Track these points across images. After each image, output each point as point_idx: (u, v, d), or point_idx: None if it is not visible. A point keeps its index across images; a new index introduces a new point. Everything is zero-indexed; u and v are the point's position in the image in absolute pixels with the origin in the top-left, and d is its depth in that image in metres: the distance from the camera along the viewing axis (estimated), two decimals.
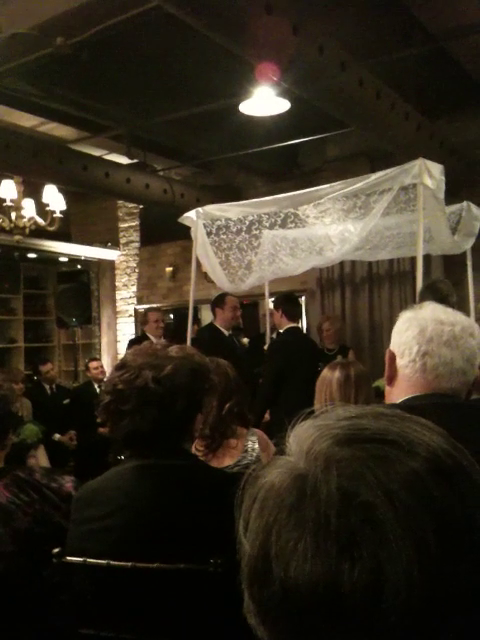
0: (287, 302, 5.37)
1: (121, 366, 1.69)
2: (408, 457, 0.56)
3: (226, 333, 5.45)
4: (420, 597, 0.50)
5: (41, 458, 6.12)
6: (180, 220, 5.15)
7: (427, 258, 5.66)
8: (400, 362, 1.59)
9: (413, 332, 1.57)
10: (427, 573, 0.51)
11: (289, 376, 4.91)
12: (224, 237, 5.17)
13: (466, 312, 1.99)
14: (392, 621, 0.50)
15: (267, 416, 5.02)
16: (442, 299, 3.82)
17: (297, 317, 5.54)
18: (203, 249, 5.11)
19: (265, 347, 6.19)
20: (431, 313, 1.60)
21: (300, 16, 3.81)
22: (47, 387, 7.26)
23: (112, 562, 1.45)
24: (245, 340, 6.84)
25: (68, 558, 1.52)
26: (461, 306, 4.79)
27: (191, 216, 5.05)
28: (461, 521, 0.54)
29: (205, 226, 5.08)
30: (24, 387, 6.84)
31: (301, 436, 0.61)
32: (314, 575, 0.51)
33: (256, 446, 2.58)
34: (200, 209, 5.03)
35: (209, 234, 5.11)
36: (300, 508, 0.54)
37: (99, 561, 1.47)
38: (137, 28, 4.34)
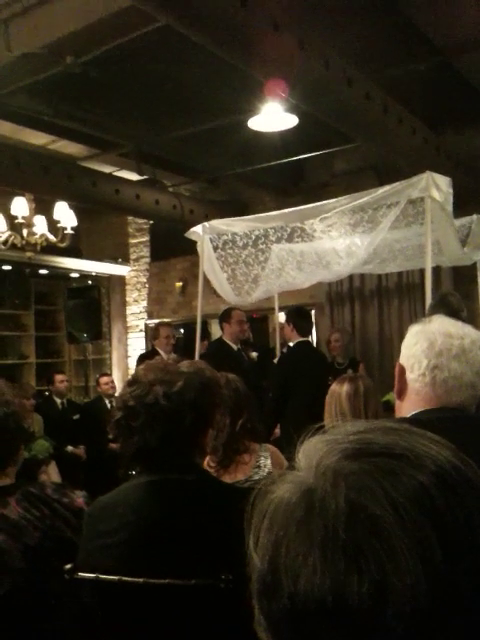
0: (298, 316, 5.38)
1: (132, 382, 1.70)
2: (415, 470, 0.57)
3: (234, 347, 5.46)
4: (424, 607, 0.51)
5: (52, 473, 6.14)
6: (187, 235, 5.18)
7: (437, 270, 5.65)
8: (410, 376, 1.59)
9: (422, 346, 1.56)
10: (432, 585, 0.51)
11: (297, 390, 4.91)
12: (230, 251, 5.19)
13: (476, 325, 1.99)
14: (396, 629, 0.51)
15: (277, 431, 5.01)
16: (453, 313, 3.80)
17: (308, 331, 5.55)
18: (209, 263, 5.14)
19: (274, 360, 6.20)
20: (440, 326, 1.60)
21: (306, 32, 3.84)
22: (58, 401, 7.28)
23: (124, 578, 1.45)
24: (254, 354, 6.84)
25: (80, 574, 1.52)
26: (471, 319, 4.78)
27: (197, 231, 5.08)
28: (466, 534, 0.55)
29: (212, 241, 5.11)
30: (35, 402, 6.86)
31: (310, 451, 0.62)
32: (323, 588, 0.52)
33: (268, 462, 2.58)
34: (206, 224, 5.05)
35: (216, 248, 5.13)
36: (309, 522, 0.55)
37: (111, 577, 1.47)
38: (146, 46, 4.39)
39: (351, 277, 7.05)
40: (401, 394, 1.63)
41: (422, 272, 5.66)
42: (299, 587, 0.53)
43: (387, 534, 0.52)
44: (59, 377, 7.34)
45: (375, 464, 0.57)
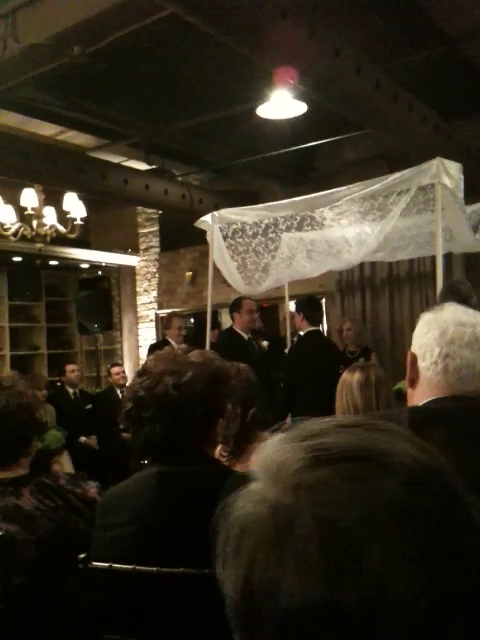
0: (309, 305, 5.38)
1: (142, 373, 1.70)
2: (379, 472, 0.54)
3: (245, 337, 5.46)
4: (419, 611, 0.49)
5: (65, 464, 6.18)
6: (196, 224, 5.17)
7: (448, 257, 5.62)
8: (422, 364, 1.58)
9: (434, 334, 1.55)
10: (419, 589, 0.49)
11: (309, 379, 4.91)
12: (240, 240, 5.18)
13: None
14: (389, 635, 0.49)
15: (288, 420, 5.02)
16: (463, 300, 3.78)
17: (318, 320, 5.54)
18: (219, 253, 5.13)
19: (285, 350, 6.19)
20: (451, 315, 1.59)
21: (315, 20, 3.81)
22: (70, 391, 7.32)
23: (137, 567, 1.46)
24: (265, 343, 6.84)
25: (93, 563, 1.53)
26: None
27: (207, 220, 5.07)
28: (442, 528, 0.52)
29: (221, 230, 5.10)
30: (47, 393, 6.90)
31: (266, 462, 0.58)
32: (303, 611, 0.50)
33: None
34: (216, 213, 5.04)
35: (225, 238, 5.12)
36: (278, 545, 0.52)
37: (125, 566, 1.47)
38: (153, 36, 4.37)
39: (362, 266, 7.03)
40: (413, 383, 1.62)
41: (433, 260, 5.63)
42: (279, 613, 0.51)
43: (365, 548, 0.50)
44: (70, 367, 7.38)
45: (336, 471, 0.54)
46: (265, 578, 0.52)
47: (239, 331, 5.44)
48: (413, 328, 1.67)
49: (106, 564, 1.50)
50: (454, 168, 4.03)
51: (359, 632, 0.49)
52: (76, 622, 1.51)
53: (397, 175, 4.12)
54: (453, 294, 3.88)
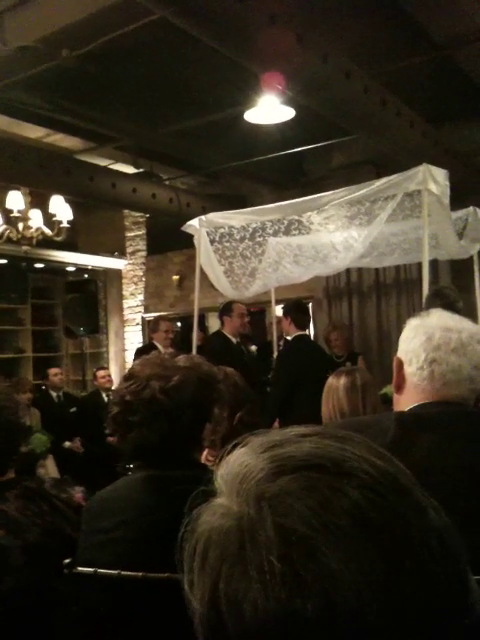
0: (296, 310, 5.38)
1: (129, 377, 1.69)
2: (337, 480, 0.54)
3: (234, 340, 5.46)
4: (374, 617, 0.49)
5: (50, 468, 6.15)
6: (183, 228, 5.17)
7: (434, 264, 5.65)
8: (408, 370, 1.59)
9: (420, 340, 1.56)
10: (376, 594, 0.50)
11: (299, 384, 4.92)
12: (228, 245, 5.19)
13: (473, 318, 1.98)
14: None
15: (276, 424, 5.02)
16: (449, 305, 3.82)
17: (306, 325, 5.55)
18: (206, 257, 5.13)
19: (273, 355, 6.20)
20: (438, 320, 1.60)
21: (304, 26, 3.83)
22: (54, 395, 7.28)
23: (123, 572, 1.45)
24: (253, 348, 6.84)
25: (79, 569, 1.52)
26: (468, 311, 4.79)
27: (194, 224, 5.06)
28: (399, 533, 0.53)
29: (208, 234, 5.10)
30: (32, 396, 6.87)
31: (228, 475, 0.59)
32: (268, 619, 0.50)
33: None
34: (203, 217, 5.04)
35: (212, 242, 5.13)
36: (242, 556, 0.53)
37: (110, 571, 1.47)
38: (142, 39, 4.38)
39: (349, 272, 7.06)
40: (399, 388, 1.63)
41: (419, 267, 5.66)
42: (245, 622, 0.51)
43: (322, 554, 0.50)
44: (53, 371, 7.36)
45: (295, 481, 0.55)
46: (230, 590, 0.53)
47: (228, 335, 5.44)
48: (400, 334, 1.68)
49: (91, 569, 1.50)
50: (440, 175, 4.05)
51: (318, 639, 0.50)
52: (65, 628, 1.50)
53: (384, 181, 4.14)
54: (439, 298, 3.90)
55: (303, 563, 0.50)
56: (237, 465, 0.59)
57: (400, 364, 1.61)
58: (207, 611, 0.55)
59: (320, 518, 0.52)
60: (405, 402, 1.60)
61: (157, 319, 6.69)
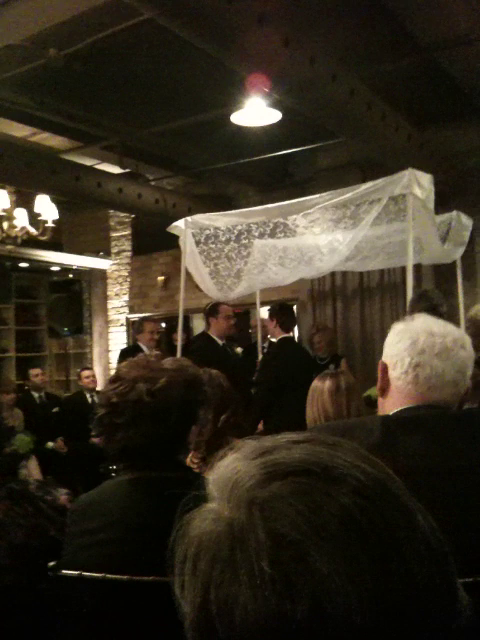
0: (282, 312, 5.39)
1: (115, 379, 1.69)
2: (327, 485, 0.55)
3: (220, 342, 5.45)
4: (361, 621, 0.50)
5: (33, 468, 6.11)
6: (169, 229, 5.17)
7: (418, 268, 5.69)
8: (392, 374, 1.60)
9: (405, 344, 1.58)
10: (364, 598, 0.50)
11: (284, 386, 4.92)
12: (213, 246, 5.19)
13: (456, 322, 2.01)
14: None
15: (260, 426, 5.03)
16: (433, 308, 3.85)
17: (291, 327, 5.56)
18: (191, 258, 5.13)
19: (258, 357, 6.21)
20: (423, 325, 1.61)
21: (292, 28, 3.84)
22: (36, 395, 7.25)
23: (108, 575, 1.45)
24: (239, 349, 6.84)
25: (64, 572, 1.52)
26: (451, 316, 4.83)
27: (180, 225, 5.06)
28: (387, 539, 0.54)
29: (194, 235, 5.10)
30: (15, 397, 6.83)
31: (219, 481, 0.60)
32: (258, 623, 0.51)
33: None
34: (189, 218, 5.04)
35: (198, 243, 5.13)
36: (233, 561, 0.53)
37: (95, 574, 1.47)
38: (129, 39, 4.37)
39: (333, 275, 7.08)
40: (384, 391, 1.64)
41: (403, 271, 5.69)
42: (235, 626, 0.52)
43: (311, 557, 0.51)
44: (34, 371, 7.33)
45: (286, 486, 0.55)
46: (221, 594, 0.53)
47: (214, 336, 5.43)
48: (383, 337, 1.70)
49: (76, 572, 1.49)
50: (425, 179, 4.08)
51: None
52: (50, 630, 1.49)
53: (369, 185, 4.17)
54: (423, 301, 3.94)
55: (293, 567, 0.51)
56: (229, 471, 0.60)
57: (385, 368, 1.63)
58: (197, 615, 0.55)
59: (310, 523, 0.52)
60: (390, 405, 1.62)
61: (142, 320, 6.67)
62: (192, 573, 0.57)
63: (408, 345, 1.57)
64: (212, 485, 0.61)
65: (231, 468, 0.60)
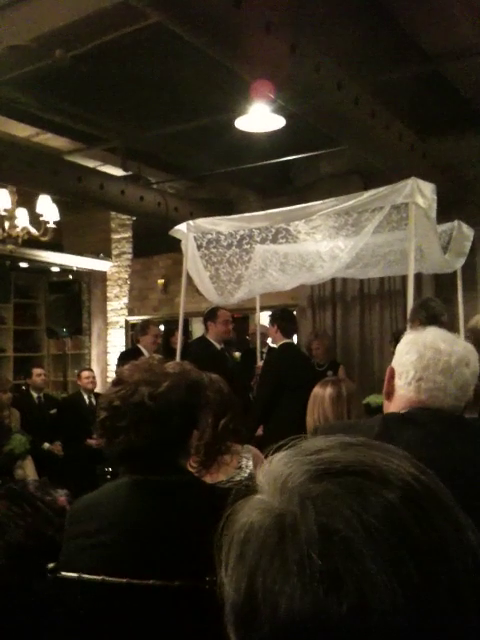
0: (283, 318, 5.40)
1: (118, 382, 1.69)
2: (380, 487, 0.57)
3: (218, 347, 5.45)
4: (404, 623, 0.52)
5: (28, 469, 6.09)
6: (171, 233, 5.17)
7: (418, 277, 5.70)
8: (398, 382, 1.68)
9: (411, 357, 1.64)
10: (410, 599, 0.52)
11: (284, 391, 4.93)
12: (214, 250, 5.19)
13: (455, 331, 2.02)
14: None
15: (260, 431, 5.03)
16: (434, 317, 3.86)
17: (292, 333, 5.57)
18: (193, 261, 5.14)
19: (257, 362, 6.21)
20: (431, 341, 1.66)
21: (298, 35, 3.85)
22: (34, 395, 7.22)
23: (107, 578, 1.45)
24: (237, 354, 6.84)
25: (62, 573, 1.51)
26: (451, 325, 4.83)
27: (182, 229, 5.07)
28: (438, 549, 0.55)
29: (196, 239, 5.11)
30: (12, 396, 6.80)
31: (272, 474, 0.61)
32: (303, 612, 0.52)
33: (250, 463, 2.58)
34: (191, 222, 5.05)
35: (199, 247, 5.13)
36: (282, 550, 0.55)
37: (93, 577, 1.46)
38: (136, 42, 4.38)
39: (334, 282, 7.09)
40: (389, 396, 1.72)
41: (403, 279, 5.70)
42: (279, 614, 0.53)
43: (361, 555, 0.52)
44: (37, 371, 7.29)
45: (340, 484, 0.57)
46: (268, 582, 0.54)
47: (212, 341, 5.43)
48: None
49: (75, 574, 1.49)
50: (428, 188, 4.09)
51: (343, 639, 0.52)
52: (46, 631, 1.49)
53: (372, 193, 4.18)
54: (424, 310, 3.95)
55: (343, 562, 0.52)
56: (281, 465, 0.62)
57: (392, 374, 1.70)
58: (242, 600, 0.56)
59: (362, 521, 0.54)
60: (394, 409, 1.69)
61: (147, 323, 6.61)
62: (238, 559, 0.58)
63: (414, 359, 1.64)
64: (262, 477, 0.62)
65: (284, 462, 0.62)
